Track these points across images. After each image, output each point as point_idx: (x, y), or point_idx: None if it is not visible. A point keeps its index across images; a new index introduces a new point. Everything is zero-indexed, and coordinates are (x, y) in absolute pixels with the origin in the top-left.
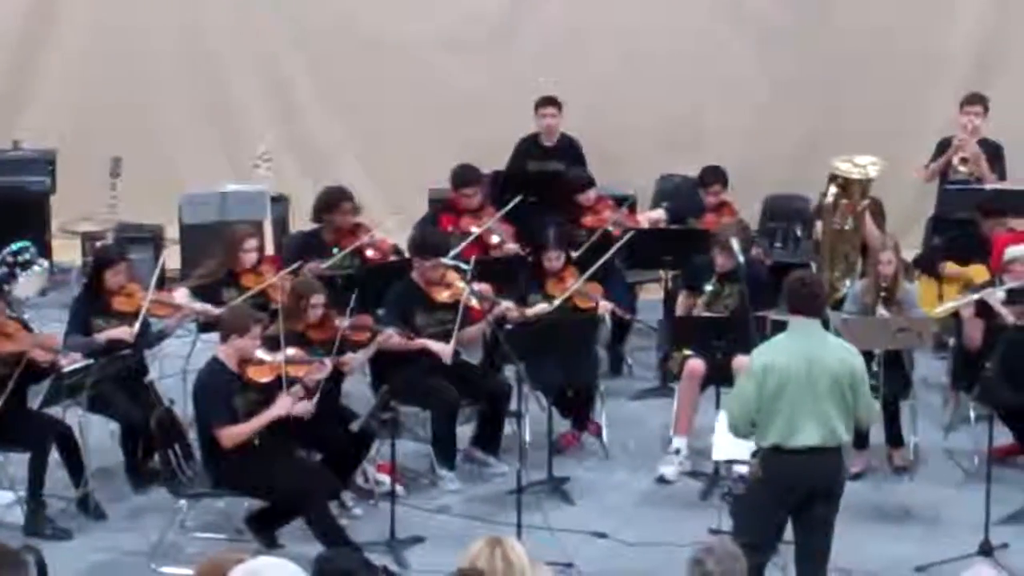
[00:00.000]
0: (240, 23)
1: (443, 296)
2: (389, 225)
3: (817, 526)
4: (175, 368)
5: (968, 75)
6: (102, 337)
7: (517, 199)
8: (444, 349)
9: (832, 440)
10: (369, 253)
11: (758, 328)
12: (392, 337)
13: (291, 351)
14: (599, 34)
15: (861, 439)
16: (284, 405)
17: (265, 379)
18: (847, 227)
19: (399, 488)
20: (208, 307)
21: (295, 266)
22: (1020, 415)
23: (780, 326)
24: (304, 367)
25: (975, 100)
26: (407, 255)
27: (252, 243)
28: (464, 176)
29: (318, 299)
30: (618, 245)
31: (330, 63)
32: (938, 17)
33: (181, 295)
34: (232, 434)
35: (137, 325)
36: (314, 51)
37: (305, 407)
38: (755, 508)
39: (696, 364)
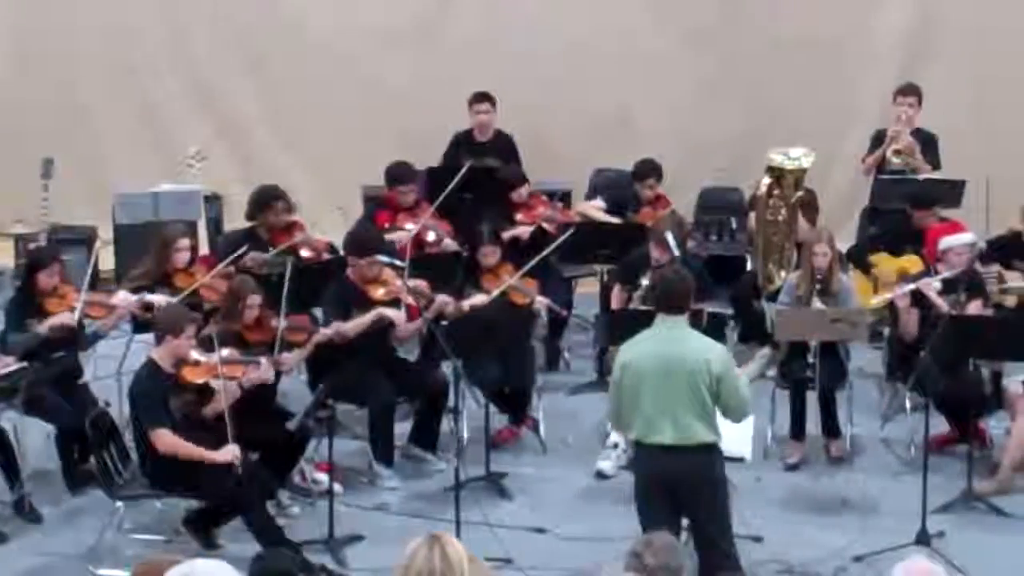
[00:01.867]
0: (169, 23)
1: (379, 294)
2: (327, 224)
3: (699, 518)
4: (110, 369)
5: (900, 65)
6: (44, 326)
7: (448, 190)
8: (399, 314)
9: (688, 439)
10: (304, 252)
11: (694, 321)
12: (330, 336)
13: (226, 352)
14: (531, 31)
15: (798, 430)
16: (226, 456)
17: (200, 380)
18: (780, 218)
19: (337, 486)
20: (146, 296)
21: (234, 256)
22: (955, 404)
23: (716, 318)
24: (240, 367)
25: (909, 91)
26: (342, 253)
27: (184, 243)
28: (398, 173)
29: (254, 300)
30: (559, 240)
31: (262, 62)
32: (870, 7)
33: (121, 298)
34: (167, 442)
35: (76, 315)
36: (246, 50)
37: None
38: (638, 499)
39: None
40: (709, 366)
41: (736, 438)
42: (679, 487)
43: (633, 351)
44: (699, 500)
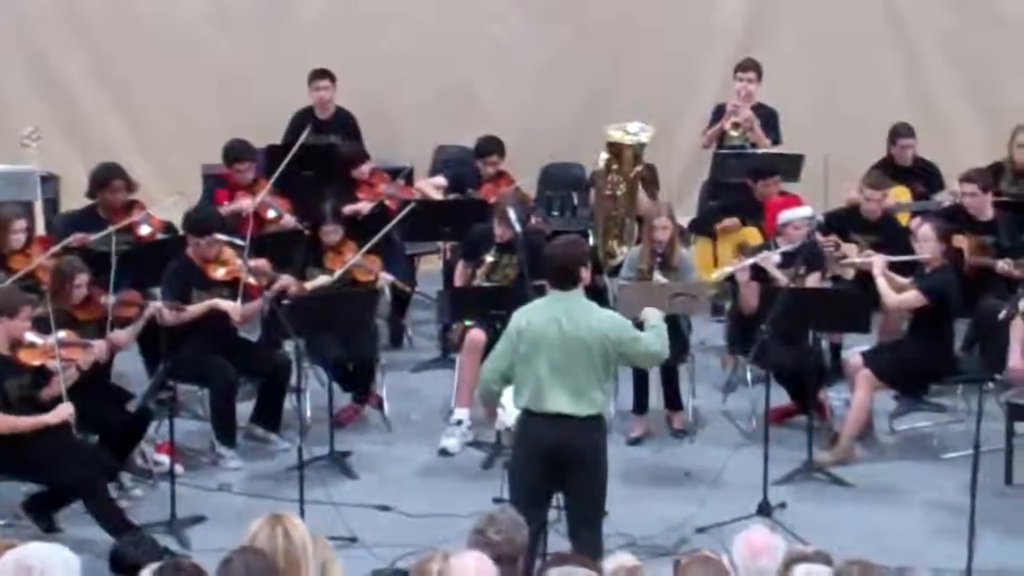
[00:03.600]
0: (4, 2)
1: (219, 273)
2: (168, 202)
3: (578, 494)
4: None
5: (740, 40)
6: None
7: (281, 168)
8: (234, 306)
9: (582, 409)
10: (143, 231)
11: (539, 297)
12: (163, 311)
13: (62, 334)
14: (373, 8)
15: (641, 404)
16: (60, 414)
17: (37, 362)
18: (620, 193)
19: (178, 467)
20: None
21: (64, 243)
22: (795, 376)
23: None
24: (77, 350)
25: (748, 66)
26: (181, 232)
27: (20, 224)
28: (235, 151)
29: (81, 279)
30: (399, 217)
31: (99, 40)
32: None
33: None
34: (2, 423)
35: None
36: (82, 28)
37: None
38: (515, 471)
39: (477, 334)
40: (606, 336)
41: None
42: (563, 457)
43: (529, 317)
44: (579, 471)
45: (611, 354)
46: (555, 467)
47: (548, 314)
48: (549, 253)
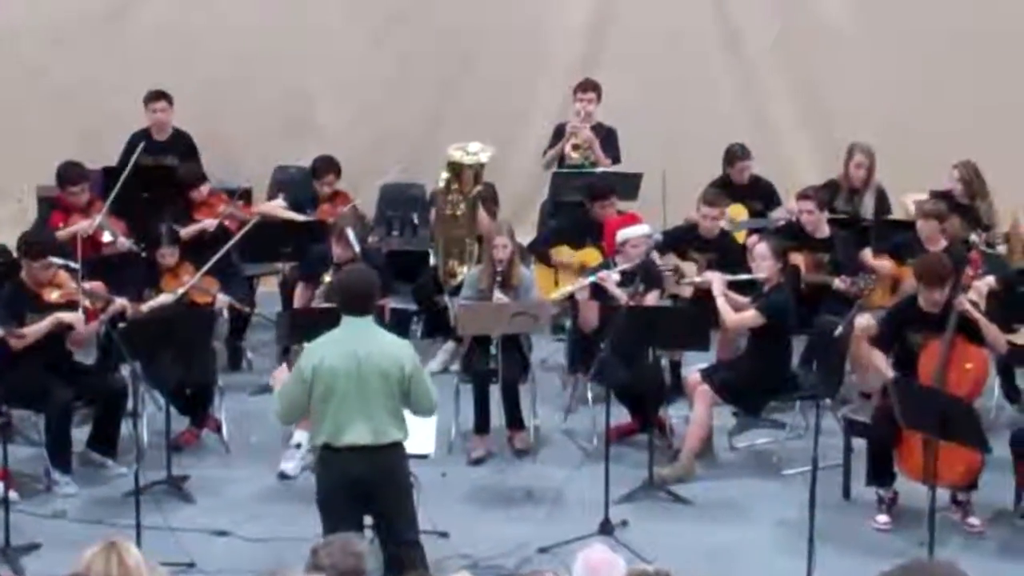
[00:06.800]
0: None
1: (53, 297)
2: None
3: (392, 523)
4: None
5: (579, 61)
6: None
7: (116, 191)
8: (77, 316)
9: (382, 438)
10: None
11: (378, 318)
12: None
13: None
14: (210, 30)
15: (482, 424)
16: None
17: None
18: (460, 213)
19: (13, 494)
20: None
21: None
22: (635, 394)
23: (400, 314)
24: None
25: (588, 86)
26: (15, 255)
27: None
28: (68, 174)
29: None
30: (237, 237)
31: None
32: (548, 5)
33: None
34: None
35: None
36: None
37: None
38: (323, 503)
39: None
40: (401, 365)
41: (419, 435)
42: (371, 487)
43: (321, 353)
44: (389, 498)
45: (404, 383)
46: (362, 498)
47: (342, 347)
48: (343, 280)
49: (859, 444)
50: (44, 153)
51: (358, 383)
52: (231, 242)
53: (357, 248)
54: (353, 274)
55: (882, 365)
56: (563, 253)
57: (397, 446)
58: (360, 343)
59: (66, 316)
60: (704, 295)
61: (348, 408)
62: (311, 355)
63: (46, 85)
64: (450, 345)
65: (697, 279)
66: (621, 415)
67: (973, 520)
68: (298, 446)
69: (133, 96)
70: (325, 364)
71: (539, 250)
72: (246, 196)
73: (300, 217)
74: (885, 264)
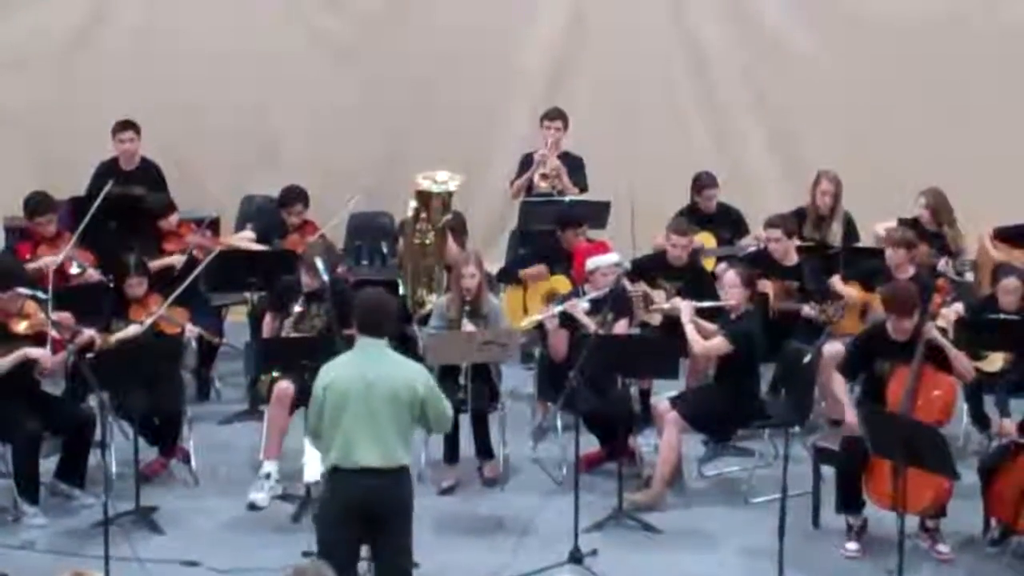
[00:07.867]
0: None
1: (21, 328)
2: None
3: (390, 548)
4: None
5: (546, 90)
6: None
7: (85, 222)
8: (44, 353)
9: (391, 461)
10: None
11: (347, 347)
12: None
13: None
14: (175, 59)
15: (451, 453)
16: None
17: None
18: (428, 242)
19: None
20: None
21: None
22: (604, 422)
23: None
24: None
25: (555, 115)
26: None
27: None
28: (35, 205)
29: None
30: (203, 265)
31: None
32: (516, 33)
33: None
34: None
35: None
36: None
37: None
38: (325, 526)
39: (285, 386)
40: (414, 388)
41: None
42: (378, 509)
43: (335, 373)
44: (393, 522)
45: (416, 407)
46: (366, 522)
47: (354, 368)
48: (361, 301)
49: (828, 472)
50: (10, 183)
51: (367, 404)
52: (195, 272)
53: (325, 277)
54: (371, 296)
55: (841, 392)
56: (532, 282)
57: (404, 470)
58: (371, 366)
59: (32, 351)
60: (673, 323)
61: (358, 430)
62: (323, 376)
63: (10, 114)
64: None
65: (666, 306)
66: (590, 443)
67: (942, 547)
68: (267, 476)
69: (96, 124)
70: (335, 386)
71: (509, 277)
72: (214, 226)
73: (266, 248)
74: (853, 292)
